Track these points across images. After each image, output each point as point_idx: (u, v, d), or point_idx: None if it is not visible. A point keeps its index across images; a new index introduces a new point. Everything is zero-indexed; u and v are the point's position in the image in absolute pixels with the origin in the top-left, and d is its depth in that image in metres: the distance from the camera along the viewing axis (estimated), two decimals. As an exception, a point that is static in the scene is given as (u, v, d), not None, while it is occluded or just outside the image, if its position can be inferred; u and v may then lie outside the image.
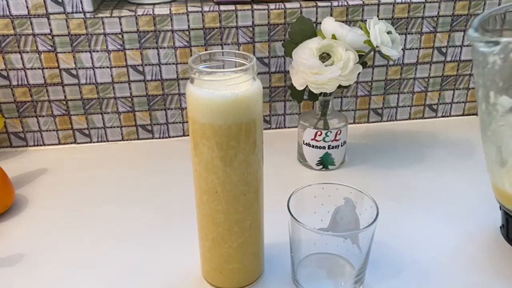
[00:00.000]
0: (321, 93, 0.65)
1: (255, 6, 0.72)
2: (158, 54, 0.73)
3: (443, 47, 0.79)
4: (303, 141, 0.68)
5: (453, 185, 0.65)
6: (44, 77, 0.72)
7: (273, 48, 0.75)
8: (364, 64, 0.65)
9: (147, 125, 0.78)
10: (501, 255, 0.52)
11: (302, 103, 0.80)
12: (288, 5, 0.73)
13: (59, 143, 0.77)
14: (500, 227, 0.56)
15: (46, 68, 0.71)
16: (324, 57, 0.61)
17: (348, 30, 0.62)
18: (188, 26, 0.71)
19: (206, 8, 0.71)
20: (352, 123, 0.83)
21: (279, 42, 0.74)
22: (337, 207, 0.48)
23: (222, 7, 0.71)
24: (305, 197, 0.48)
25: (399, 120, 0.84)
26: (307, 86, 0.63)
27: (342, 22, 0.65)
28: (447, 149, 0.74)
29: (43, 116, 0.75)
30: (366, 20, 0.74)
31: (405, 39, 0.77)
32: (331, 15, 0.73)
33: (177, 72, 0.74)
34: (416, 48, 0.79)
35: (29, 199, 0.63)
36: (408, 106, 0.83)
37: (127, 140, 0.79)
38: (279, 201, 0.47)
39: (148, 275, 0.50)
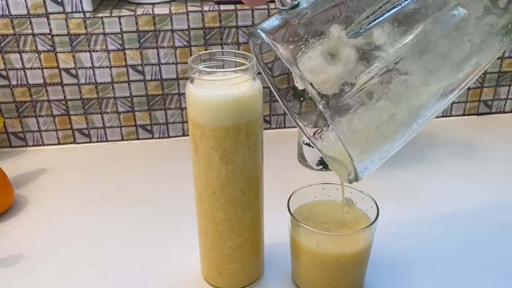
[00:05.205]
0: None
1: (255, 6, 0.72)
2: (158, 54, 0.73)
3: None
4: (303, 141, 0.68)
5: (453, 185, 0.65)
6: (43, 77, 0.72)
7: (273, 48, 0.75)
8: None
9: (146, 125, 0.78)
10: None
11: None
12: (288, 4, 0.72)
13: (59, 143, 0.77)
14: None
15: (46, 68, 0.71)
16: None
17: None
18: (188, 26, 0.71)
19: (206, 8, 0.71)
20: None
21: (279, 42, 0.74)
22: (337, 207, 0.48)
23: (222, 7, 0.71)
24: (305, 197, 0.48)
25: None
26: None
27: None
28: (447, 149, 0.74)
29: (43, 116, 0.75)
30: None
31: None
32: (331, 15, 0.73)
33: (177, 72, 0.74)
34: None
35: (29, 199, 0.63)
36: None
37: (126, 140, 0.78)
38: (279, 201, 0.47)
39: (148, 275, 0.50)
